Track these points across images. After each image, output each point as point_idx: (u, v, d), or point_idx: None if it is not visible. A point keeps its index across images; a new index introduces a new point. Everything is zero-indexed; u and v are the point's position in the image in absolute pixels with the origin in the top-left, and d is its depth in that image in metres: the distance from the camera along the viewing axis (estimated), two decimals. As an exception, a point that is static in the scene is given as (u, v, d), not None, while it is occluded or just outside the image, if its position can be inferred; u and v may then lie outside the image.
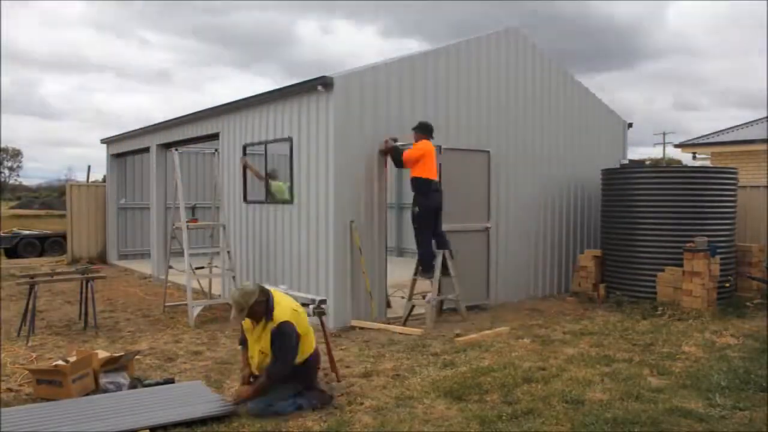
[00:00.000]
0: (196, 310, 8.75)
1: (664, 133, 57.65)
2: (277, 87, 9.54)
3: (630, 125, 12.84)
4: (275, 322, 5.17)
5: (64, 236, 18.21)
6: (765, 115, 19.32)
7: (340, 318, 8.47)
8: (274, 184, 9.93)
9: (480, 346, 7.38)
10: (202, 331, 8.32)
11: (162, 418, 4.76)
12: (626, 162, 11.74)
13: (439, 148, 9.05)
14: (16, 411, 4.95)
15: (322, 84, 8.45)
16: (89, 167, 20.98)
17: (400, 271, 11.13)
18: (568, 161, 11.54)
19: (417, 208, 8.59)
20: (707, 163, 18.23)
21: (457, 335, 7.93)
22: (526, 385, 5.84)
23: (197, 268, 9.90)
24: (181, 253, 9.19)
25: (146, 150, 14.59)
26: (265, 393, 5.17)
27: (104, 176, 18.62)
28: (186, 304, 9.00)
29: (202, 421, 4.84)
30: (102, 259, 16.66)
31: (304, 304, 6.03)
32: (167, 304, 9.59)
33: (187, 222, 9.37)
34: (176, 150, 9.76)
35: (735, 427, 4.86)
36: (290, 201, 9.23)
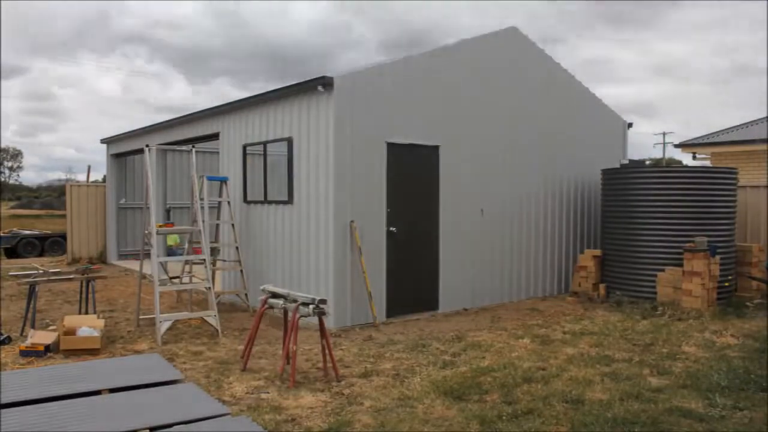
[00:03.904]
0: (165, 326, 7.83)
1: (664, 133, 57.74)
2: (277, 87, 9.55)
3: (630, 125, 12.85)
4: None
5: (64, 236, 18.21)
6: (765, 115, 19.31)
7: (340, 318, 8.48)
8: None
9: (480, 346, 7.38)
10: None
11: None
12: (626, 162, 11.74)
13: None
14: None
15: (322, 84, 8.45)
16: (89, 167, 20.96)
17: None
18: (569, 161, 11.54)
19: None
20: (707, 163, 18.22)
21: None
22: (526, 385, 5.84)
23: (173, 278, 9.76)
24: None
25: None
26: None
27: (104, 176, 18.63)
28: (175, 317, 8.31)
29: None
30: (102, 259, 16.66)
31: (304, 304, 6.05)
32: (142, 317, 8.70)
33: (160, 226, 8.77)
34: (148, 147, 9.19)
35: (735, 427, 4.86)
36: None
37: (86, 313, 8.62)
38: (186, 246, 10.13)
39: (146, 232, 8.72)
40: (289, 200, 9.32)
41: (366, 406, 5.34)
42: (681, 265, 9.61)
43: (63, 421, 4.70)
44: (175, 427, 4.62)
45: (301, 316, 6.04)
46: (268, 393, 5.71)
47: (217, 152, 11.63)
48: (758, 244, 10.93)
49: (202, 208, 9.17)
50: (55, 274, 9.23)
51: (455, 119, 9.83)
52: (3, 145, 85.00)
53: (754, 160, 16.22)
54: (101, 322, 7.72)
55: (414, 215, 9.38)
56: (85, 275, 8.86)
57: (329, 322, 7.75)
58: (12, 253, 19.27)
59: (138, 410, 4.93)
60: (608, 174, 11.07)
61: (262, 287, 6.76)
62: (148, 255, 8.70)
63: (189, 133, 12.44)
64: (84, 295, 8.85)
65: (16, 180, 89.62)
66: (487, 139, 10.27)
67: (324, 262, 8.69)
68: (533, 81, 10.99)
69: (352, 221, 8.65)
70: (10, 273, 11.47)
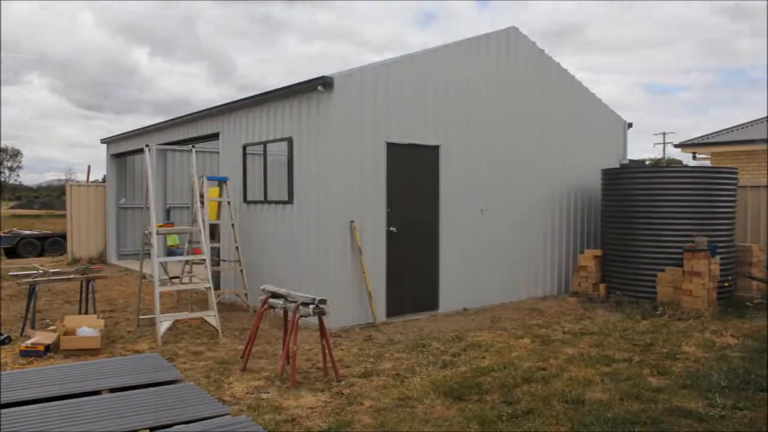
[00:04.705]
0: (165, 326, 7.83)
1: (664, 133, 57.76)
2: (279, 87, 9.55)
3: (630, 125, 12.86)
4: None
5: (64, 236, 18.21)
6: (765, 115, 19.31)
7: (340, 318, 8.47)
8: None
9: (480, 346, 7.39)
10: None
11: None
12: (626, 162, 11.74)
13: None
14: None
15: (322, 84, 8.45)
16: (89, 167, 20.94)
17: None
18: (569, 161, 11.55)
19: None
20: (707, 163, 18.21)
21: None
22: (526, 385, 5.84)
23: (173, 278, 9.76)
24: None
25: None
26: None
27: (104, 176, 18.63)
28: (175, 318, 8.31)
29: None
30: (102, 259, 16.66)
31: (304, 304, 6.05)
32: (142, 317, 8.71)
33: (160, 226, 8.77)
34: (148, 147, 9.17)
35: (735, 427, 4.86)
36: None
37: (86, 313, 8.62)
38: (186, 246, 10.14)
39: (146, 232, 8.72)
40: (289, 200, 9.31)
41: (366, 406, 5.34)
42: (681, 265, 9.61)
43: (63, 421, 4.70)
44: (175, 427, 4.62)
45: (301, 316, 6.05)
46: (268, 393, 5.71)
47: (217, 152, 11.63)
48: (758, 244, 10.93)
49: (202, 208, 9.17)
50: (55, 274, 9.22)
51: (455, 119, 9.83)
52: (3, 145, 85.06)
53: (754, 160, 16.22)
54: (101, 322, 7.73)
55: (414, 215, 9.38)
56: (85, 275, 8.86)
57: (329, 322, 7.75)
58: (12, 253, 19.26)
59: (138, 410, 4.93)
60: (608, 174, 11.07)
61: (262, 287, 6.77)
62: (148, 255, 8.70)
63: (189, 133, 12.44)
64: (84, 295, 8.85)
65: (16, 180, 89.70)
66: (487, 139, 10.26)
67: (324, 262, 8.68)
68: (533, 81, 10.99)
69: (352, 221, 8.65)
70: (10, 273, 11.47)
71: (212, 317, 8.09)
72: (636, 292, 10.15)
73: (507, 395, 5.56)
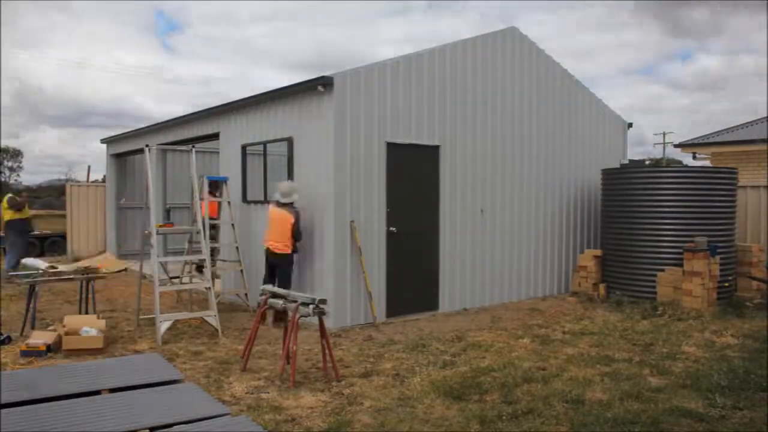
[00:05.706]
0: (165, 326, 7.81)
1: (664, 133, 57.67)
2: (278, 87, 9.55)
3: (630, 125, 12.86)
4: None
5: (64, 236, 18.21)
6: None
7: (340, 318, 8.48)
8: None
9: (480, 346, 7.39)
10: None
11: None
12: (626, 162, 11.74)
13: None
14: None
15: (322, 84, 8.45)
16: (89, 167, 20.98)
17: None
18: (569, 161, 11.55)
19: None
20: (707, 163, 18.23)
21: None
22: (526, 385, 5.84)
23: (173, 278, 9.76)
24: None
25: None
26: None
27: (104, 176, 18.63)
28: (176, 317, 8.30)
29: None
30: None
31: (303, 304, 6.05)
32: (142, 317, 8.70)
33: (160, 226, 8.79)
34: (148, 147, 9.17)
35: (735, 427, 4.86)
36: None
37: (86, 313, 8.61)
38: (186, 246, 10.14)
39: (146, 232, 8.71)
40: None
41: (366, 406, 5.34)
42: (681, 265, 9.61)
43: (63, 421, 4.70)
44: (175, 427, 4.62)
45: (301, 316, 6.05)
46: (268, 393, 5.72)
47: (217, 152, 11.63)
48: (758, 244, 10.93)
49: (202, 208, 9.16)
50: (55, 274, 9.22)
51: (455, 119, 9.83)
52: (3, 145, 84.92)
53: (754, 160, 16.23)
54: (102, 322, 7.73)
55: (414, 215, 9.38)
56: (85, 275, 8.86)
57: (329, 322, 7.75)
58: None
59: (138, 410, 4.93)
60: (608, 174, 11.07)
61: (262, 287, 6.76)
62: (148, 255, 8.70)
63: (189, 133, 12.44)
64: (84, 295, 8.85)
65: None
66: (487, 139, 10.27)
67: (324, 262, 8.68)
68: (533, 81, 10.99)
69: (352, 221, 8.65)
70: (11, 273, 11.47)
71: (212, 317, 8.10)
72: (636, 292, 10.15)
73: (507, 395, 5.57)
